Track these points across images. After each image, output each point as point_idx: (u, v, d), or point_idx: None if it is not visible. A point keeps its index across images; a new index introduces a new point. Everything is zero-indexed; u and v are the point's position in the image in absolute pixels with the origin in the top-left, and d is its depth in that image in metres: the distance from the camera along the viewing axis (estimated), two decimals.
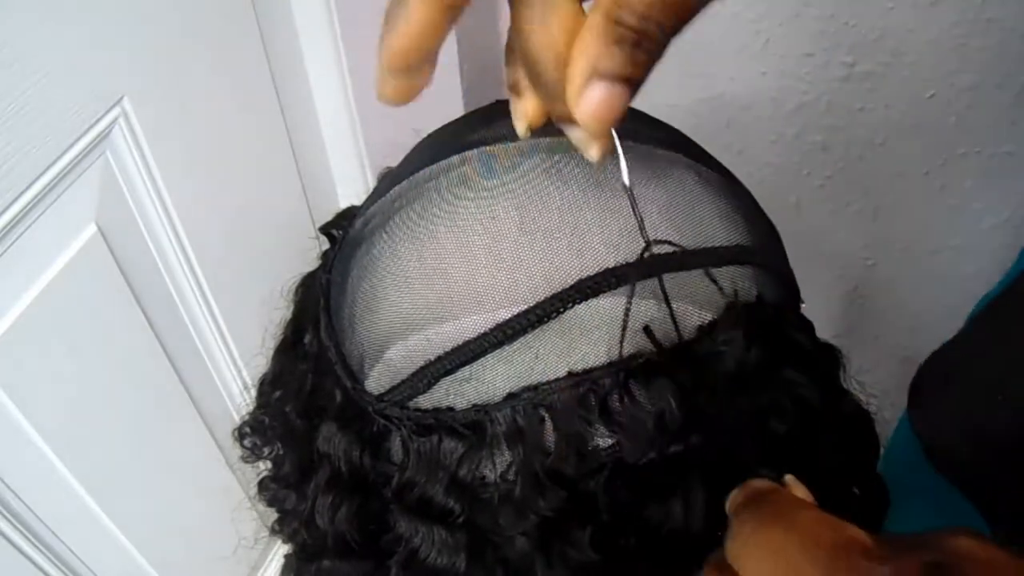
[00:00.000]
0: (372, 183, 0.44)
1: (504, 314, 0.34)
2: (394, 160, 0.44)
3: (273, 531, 0.47)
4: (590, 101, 0.28)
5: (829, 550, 0.26)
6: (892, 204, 1.07)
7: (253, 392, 0.49)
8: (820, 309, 0.42)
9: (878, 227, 1.10)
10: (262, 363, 0.48)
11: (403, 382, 0.37)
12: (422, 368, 0.36)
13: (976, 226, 1.06)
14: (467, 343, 0.35)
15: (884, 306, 1.19)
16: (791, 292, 0.42)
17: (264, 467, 0.48)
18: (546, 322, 0.34)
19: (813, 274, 1.13)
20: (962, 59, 0.91)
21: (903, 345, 0.74)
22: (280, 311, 0.47)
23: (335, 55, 0.94)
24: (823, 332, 0.42)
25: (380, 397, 0.38)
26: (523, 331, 0.34)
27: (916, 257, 1.12)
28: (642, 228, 0.34)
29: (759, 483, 0.32)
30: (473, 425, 0.35)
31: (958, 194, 1.04)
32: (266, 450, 0.47)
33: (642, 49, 0.27)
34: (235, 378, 0.93)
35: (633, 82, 0.28)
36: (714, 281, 0.35)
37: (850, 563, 0.26)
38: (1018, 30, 0.86)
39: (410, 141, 0.44)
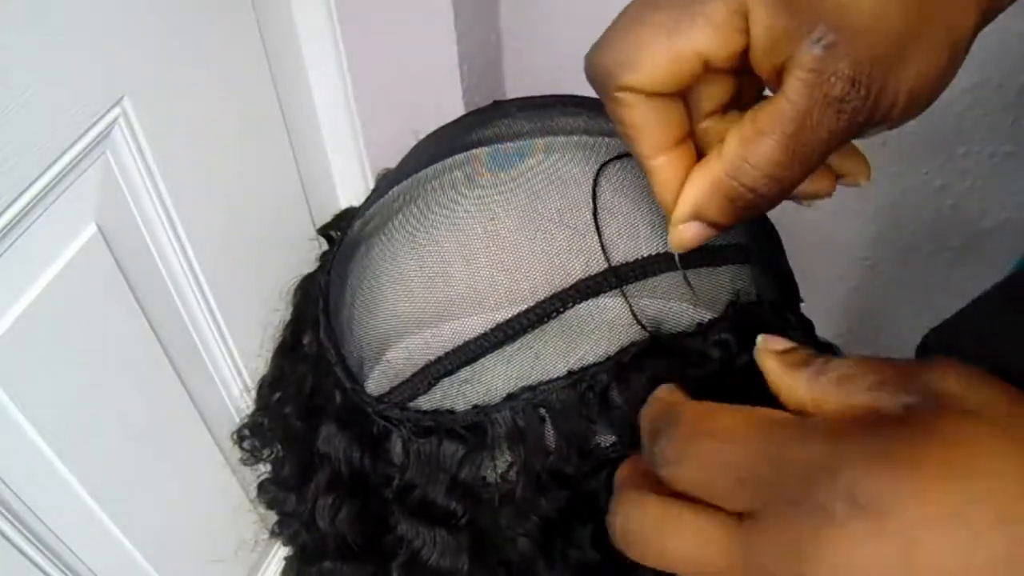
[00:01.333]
0: (372, 184, 0.44)
1: (504, 314, 0.34)
2: (394, 161, 0.43)
3: (273, 533, 0.47)
4: (683, 236, 0.31)
5: (756, 436, 0.27)
6: (892, 204, 1.07)
7: (253, 394, 0.49)
8: (820, 309, 0.42)
9: (878, 227, 1.10)
10: (262, 365, 0.48)
11: (403, 383, 0.37)
12: (422, 369, 0.36)
13: (976, 226, 1.06)
14: (467, 344, 0.35)
15: (884, 306, 1.19)
16: (790, 291, 0.42)
17: (264, 469, 0.48)
18: (546, 322, 0.34)
19: (813, 274, 1.13)
20: None
21: (903, 345, 0.73)
22: (280, 312, 0.47)
23: (335, 55, 0.94)
24: (823, 332, 0.42)
25: (380, 398, 0.38)
26: (523, 331, 0.34)
27: (916, 257, 1.11)
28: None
29: (665, 395, 0.30)
30: (473, 426, 0.35)
31: (958, 194, 1.04)
32: (266, 452, 0.47)
33: (751, 208, 0.30)
34: (235, 379, 0.93)
35: (725, 226, 0.31)
36: (689, 284, 0.35)
37: (781, 437, 0.26)
38: (1018, 30, 0.86)
39: (410, 142, 0.44)
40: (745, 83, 0.31)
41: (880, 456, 0.24)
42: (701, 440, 0.28)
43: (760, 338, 0.31)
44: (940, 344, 0.72)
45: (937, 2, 0.28)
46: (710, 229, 0.31)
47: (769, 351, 0.30)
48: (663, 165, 0.31)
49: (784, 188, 0.29)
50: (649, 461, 0.29)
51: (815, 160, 0.29)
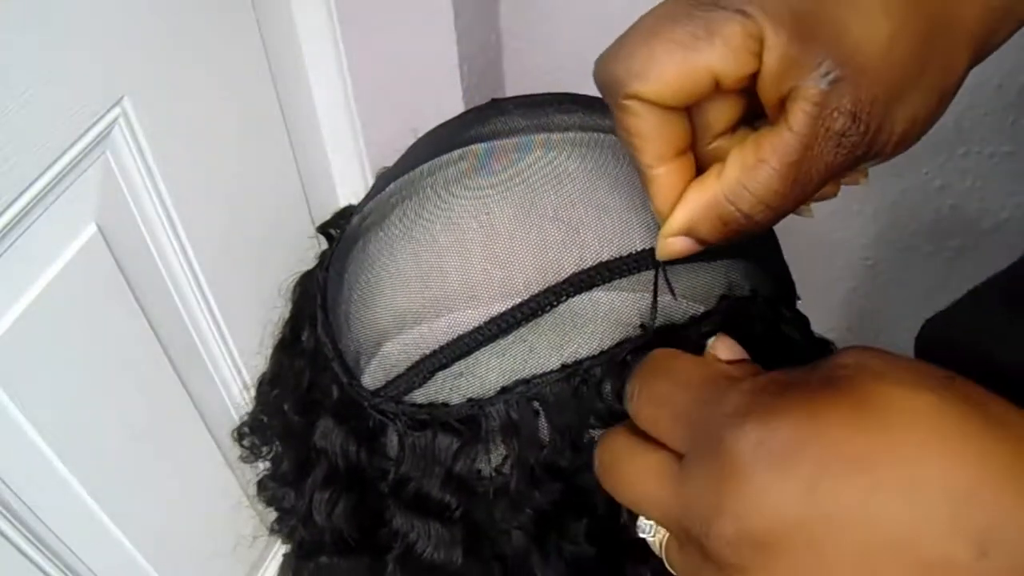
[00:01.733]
0: (371, 182, 0.44)
1: (498, 308, 0.35)
2: (393, 160, 0.44)
3: (272, 530, 0.48)
4: (671, 248, 0.32)
5: (699, 383, 0.29)
6: (892, 204, 1.07)
7: (253, 392, 0.49)
8: (819, 309, 0.42)
9: (878, 227, 1.10)
10: (261, 363, 0.48)
11: (398, 377, 0.37)
12: (417, 363, 0.36)
13: (976, 226, 1.06)
14: (461, 337, 0.35)
15: (884, 306, 1.19)
16: (785, 287, 0.42)
17: (263, 467, 0.48)
18: (540, 316, 0.34)
19: (813, 274, 1.13)
20: None
21: (903, 345, 0.73)
22: (279, 310, 0.47)
23: (335, 55, 0.94)
24: (822, 331, 0.42)
25: (376, 392, 0.38)
26: (517, 325, 0.34)
27: (916, 257, 1.11)
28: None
29: (653, 352, 0.32)
30: (468, 419, 0.35)
31: (958, 194, 1.04)
32: (265, 449, 0.47)
33: (741, 232, 0.31)
34: (235, 378, 0.93)
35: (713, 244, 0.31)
36: (668, 282, 0.35)
37: (716, 387, 0.28)
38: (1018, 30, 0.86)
39: (409, 141, 0.44)
40: (756, 102, 0.31)
41: (789, 405, 0.25)
42: (656, 378, 0.30)
43: (710, 341, 0.32)
44: (937, 336, 0.72)
45: (934, 49, 0.29)
46: (698, 245, 0.32)
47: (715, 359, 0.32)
48: (663, 175, 0.31)
49: (777, 215, 0.30)
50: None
51: (810, 191, 0.29)
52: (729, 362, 0.31)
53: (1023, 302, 0.66)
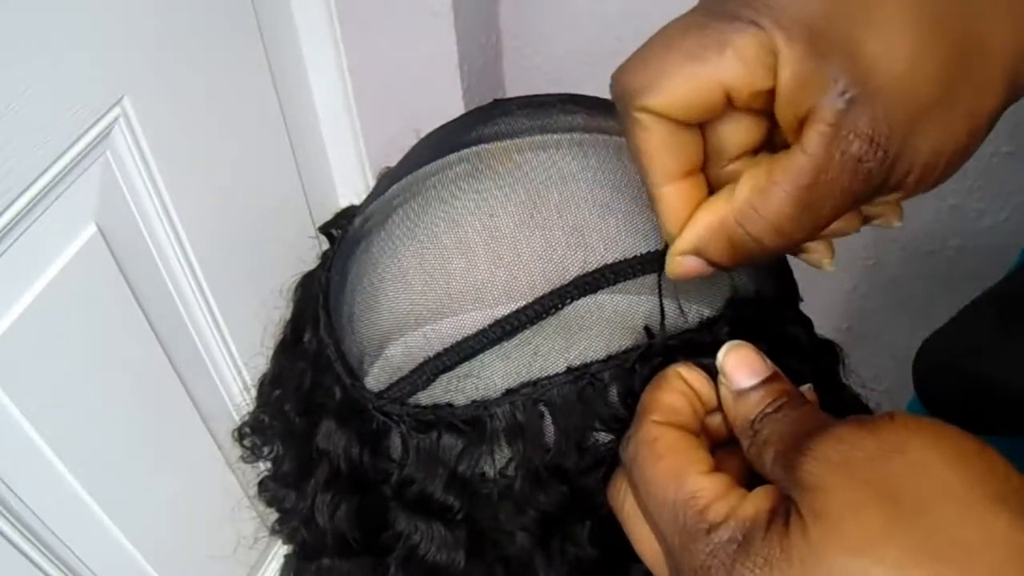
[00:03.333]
0: (371, 182, 0.44)
1: (503, 310, 0.34)
2: (394, 160, 0.44)
3: (273, 531, 0.48)
4: (681, 267, 0.31)
5: (672, 505, 0.29)
6: None
7: (253, 392, 0.49)
8: (820, 309, 0.42)
9: (878, 227, 1.10)
10: (262, 363, 0.48)
11: (402, 379, 0.37)
12: (421, 364, 0.36)
13: (976, 226, 1.06)
14: (466, 339, 0.35)
15: (884, 306, 1.19)
16: (789, 289, 0.42)
17: (264, 467, 0.48)
18: (545, 318, 0.34)
19: (813, 274, 1.13)
20: None
21: (903, 345, 0.74)
22: (280, 310, 0.47)
23: (335, 55, 0.94)
24: (823, 331, 0.42)
25: (380, 394, 0.38)
26: (522, 327, 0.34)
27: (916, 257, 1.11)
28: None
29: (642, 432, 0.31)
30: (472, 421, 0.35)
31: (958, 194, 1.04)
32: (266, 450, 0.47)
33: (752, 256, 0.30)
34: (235, 378, 0.93)
35: (724, 267, 0.31)
36: (673, 286, 0.35)
37: (686, 526, 0.28)
38: None
39: (410, 141, 0.44)
40: (777, 128, 0.30)
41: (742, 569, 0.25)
42: (635, 487, 0.30)
43: (731, 373, 0.31)
44: (934, 358, 0.72)
45: (962, 75, 0.28)
46: (708, 266, 0.31)
47: (729, 391, 0.31)
48: (670, 193, 0.30)
49: (788, 243, 0.29)
50: None
51: (824, 220, 0.28)
52: (742, 392, 0.31)
53: (1017, 320, 0.66)
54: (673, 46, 0.29)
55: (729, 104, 0.29)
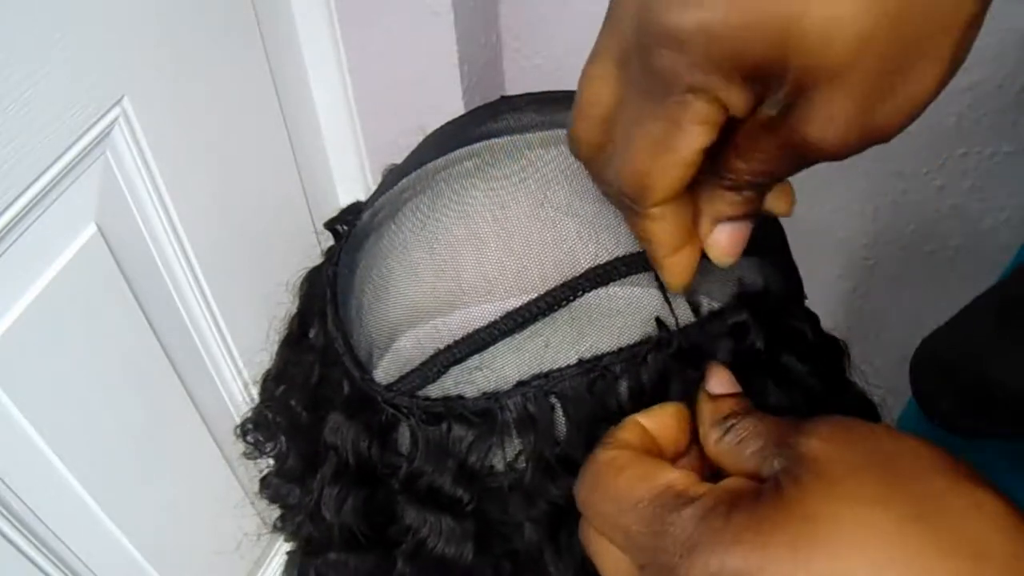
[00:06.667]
0: (372, 182, 0.44)
1: (514, 302, 0.34)
2: (394, 160, 0.44)
3: (275, 528, 0.47)
4: (718, 241, 0.32)
5: (646, 503, 0.28)
6: (892, 204, 1.07)
7: (254, 390, 0.49)
8: (820, 308, 0.42)
9: (878, 227, 1.10)
10: (263, 361, 0.48)
11: (412, 371, 0.37)
12: (432, 357, 0.36)
13: (976, 226, 1.06)
14: (477, 331, 0.35)
15: (884, 306, 1.19)
16: (795, 285, 0.42)
17: (265, 465, 0.48)
18: (556, 310, 0.34)
19: (813, 274, 1.13)
20: None
21: (903, 344, 0.74)
22: (282, 307, 0.47)
23: (335, 55, 0.94)
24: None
25: (389, 387, 0.38)
26: (533, 319, 0.34)
27: (916, 257, 1.12)
28: None
29: (599, 455, 0.31)
30: (483, 413, 0.35)
31: (958, 194, 1.04)
32: (269, 446, 0.47)
33: (747, 189, 0.30)
34: (235, 378, 0.93)
35: (750, 215, 0.31)
36: (660, 287, 0.35)
37: (663, 509, 0.27)
38: (1018, 30, 0.86)
39: (410, 140, 0.44)
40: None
41: (737, 532, 0.25)
42: (602, 500, 0.30)
43: (709, 379, 0.32)
44: (931, 358, 0.72)
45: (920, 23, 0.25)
46: (736, 223, 0.32)
47: (705, 393, 0.32)
48: (681, 258, 0.32)
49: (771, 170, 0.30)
50: None
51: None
52: (717, 396, 0.31)
53: (1014, 321, 0.67)
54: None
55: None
